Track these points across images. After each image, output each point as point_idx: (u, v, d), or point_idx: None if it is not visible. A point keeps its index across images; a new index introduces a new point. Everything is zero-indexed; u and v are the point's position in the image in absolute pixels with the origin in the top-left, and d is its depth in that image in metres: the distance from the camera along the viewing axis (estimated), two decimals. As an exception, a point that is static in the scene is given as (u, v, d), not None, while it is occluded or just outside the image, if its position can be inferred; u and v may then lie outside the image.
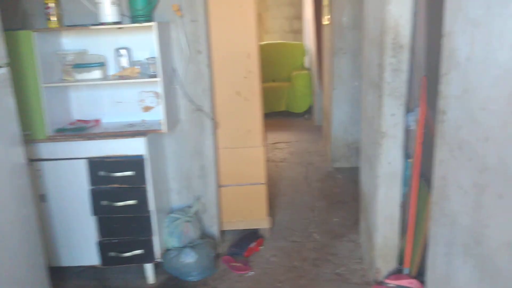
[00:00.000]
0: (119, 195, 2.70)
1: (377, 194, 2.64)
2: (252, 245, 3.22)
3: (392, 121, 2.51)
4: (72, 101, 2.98)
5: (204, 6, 2.88)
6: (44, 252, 2.42)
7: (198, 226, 3.09)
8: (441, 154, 1.74)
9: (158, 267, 2.95)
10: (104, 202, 2.71)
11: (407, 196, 2.67)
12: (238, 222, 3.37)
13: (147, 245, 2.79)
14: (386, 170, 2.59)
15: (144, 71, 2.80)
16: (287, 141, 5.92)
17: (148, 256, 2.81)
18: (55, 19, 2.71)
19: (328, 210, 3.84)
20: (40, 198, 2.72)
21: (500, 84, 1.26)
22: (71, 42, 2.90)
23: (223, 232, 3.37)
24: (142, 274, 2.90)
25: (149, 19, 2.73)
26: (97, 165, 2.67)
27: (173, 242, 2.93)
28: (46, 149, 2.68)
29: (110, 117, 3.00)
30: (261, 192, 3.34)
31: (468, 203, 1.49)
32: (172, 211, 3.13)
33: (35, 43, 2.55)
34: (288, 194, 4.20)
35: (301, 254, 3.16)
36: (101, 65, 2.78)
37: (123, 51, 2.81)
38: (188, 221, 2.99)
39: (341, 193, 4.19)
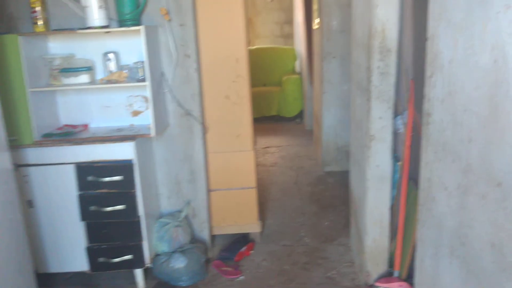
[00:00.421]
0: (108, 200, 2.68)
1: (366, 197, 2.64)
2: (243, 249, 3.22)
3: (380, 124, 2.52)
4: (60, 105, 2.96)
5: (192, 10, 2.88)
6: (31, 258, 2.40)
7: (188, 231, 3.08)
8: (426, 156, 1.75)
9: (148, 272, 2.93)
10: (93, 208, 2.69)
11: (396, 199, 2.68)
12: (229, 227, 3.36)
13: (137, 251, 2.77)
14: (375, 173, 2.59)
15: (132, 75, 2.79)
16: (278, 145, 5.92)
17: (137, 261, 2.79)
18: (42, 23, 2.69)
19: (319, 214, 3.84)
20: (28, 204, 2.70)
21: (481, 86, 1.27)
22: (58, 46, 2.88)
23: (213, 237, 3.36)
24: (132, 279, 2.88)
25: (137, 23, 2.72)
26: (85, 170, 2.66)
27: (163, 247, 2.92)
28: (33, 154, 2.66)
29: (98, 122, 2.99)
30: (252, 196, 3.33)
31: (453, 204, 1.50)
32: (161, 216, 3.11)
33: (21, 47, 2.54)
34: (278, 199, 4.20)
35: (292, 258, 3.15)
36: (89, 69, 2.77)
37: (111, 55, 2.80)
38: (178, 226, 2.97)
39: (331, 197, 4.19)
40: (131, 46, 2.83)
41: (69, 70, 2.72)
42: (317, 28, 5.03)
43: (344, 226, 3.55)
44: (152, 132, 2.71)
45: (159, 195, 3.15)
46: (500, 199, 1.19)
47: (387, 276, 2.70)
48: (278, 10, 7.90)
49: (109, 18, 2.73)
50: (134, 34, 2.68)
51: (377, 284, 2.62)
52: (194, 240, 3.17)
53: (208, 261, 3.11)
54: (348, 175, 3.29)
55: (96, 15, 2.63)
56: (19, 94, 2.58)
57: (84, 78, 2.74)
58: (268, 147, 5.84)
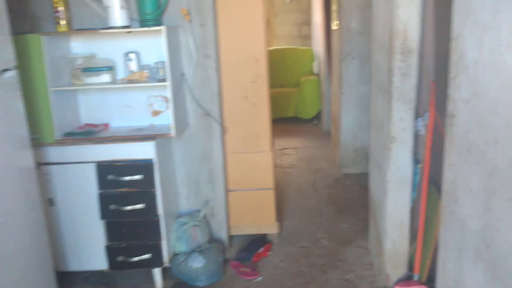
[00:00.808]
0: (127, 199, 2.70)
1: (386, 199, 2.62)
2: (260, 250, 3.21)
3: (401, 126, 2.49)
4: (81, 105, 3.00)
5: (212, 10, 2.89)
6: (52, 257, 2.43)
7: (206, 231, 3.08)
8: (450, 158, 1.72)
9: (166, 272, 2.94)
10: (113, 206, 2.71)
11: (416, 201, 2.65)
12: (246, 227, 3.36)
13: (156, 250, 2.78)
14: (395, 175, 2.57)
15: (152, 75, 2.81)
16: (295, 147, 5.90)
17: (156, 260, 2.80)
18: (64, 22, 2.73)
19: (337, 216, 3.81)
20: (48, 202, 2.73)
21: (508, 87, 1.25)
22: (80, 46, 2.92)
23: (231, 237, 3.36)
24: (150, 279, 2.89)
25: (158, 23, 2.74)
26: (105, 169, 2.68)
27: (181, 247, 2.93)
28: (54, 153, 2.70)
29: (118, 121, 3.01)
30: (269, 197, 3.32)
31: (478, 206, 1.47)
32: (180, 215, 3.13)
33: (44, 47, 2.57)
34: (296, 200, 4.19)
35: (309, 260, 3.14)
36: (110, 69, 2.80)
37: (132, 55, 2.82)
38: (196, 226, 2.98)
39: (349, 199, 4.17)
40: (152, 46, 2.85)
41: (91, 69, 2.75)
42: (336, 29, 5.01)
43: (362, 228, 3.52)
44: (173, 132, 2.72)
45: (178, 195, 3.16)
46: (529, 202, 1.16)
47: (407, 279, 2.67)
48: (296, 11, 7.89)
49: (130, 18, 2.75)
50: (155, 34, 2.70)
51: (396, 287, 2.59)
52: (212, 240, 3.17)
53: (225, 261, 3.11)
54: (367, 177, 3.26)
55: (117, 15, 2.66)
56: (41, 93, 2.61)
57: (105, 77, 2.77)
58: (285, 148, 5.83)
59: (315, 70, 7.32)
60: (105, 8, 2.68)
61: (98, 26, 2.82)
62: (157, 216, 2.75)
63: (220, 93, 3.07)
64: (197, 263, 2.84)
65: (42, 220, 2.34)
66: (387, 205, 2.63)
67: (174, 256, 2.94)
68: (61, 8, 2.70)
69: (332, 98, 5.63)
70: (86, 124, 2.95)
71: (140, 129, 2.89)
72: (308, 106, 6.88)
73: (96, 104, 2.99)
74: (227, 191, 3.26)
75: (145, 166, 2.68)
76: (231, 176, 3.27)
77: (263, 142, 3.24)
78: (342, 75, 4.67)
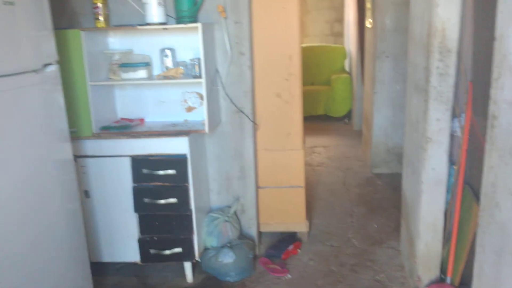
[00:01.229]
0: (161, 193, 2.74)
1: (420, 200, 2.58)
2: (290, 248, 3.21)
3: (438, 126, 2.45)
4: (117, 99, 3.05)
5: (248, 8, 2.90)
6: (87, 247, 2.49)
7: (237, 227, 3.10)
8: (491, 160, 1.69)
9: (196, 266, 2.98)
10: (146, 200, 2.75)
11: (450, 203, 2.61)
12: (276, 225, 3.36)
13: (187, 244, 2.82)
14: (430, 176, 2.53)
15: (187, 71, 2.84)
16: (325, 145, 5.87)
17: (187, 254, 2.84)
18: (103, 18, 2.78)
19: (367, 216, 3.78)
20: (84, 194, 2.79)
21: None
22: (117, 42, 2.97)
23: (260, 234, 3.37)
24: (180, 272, 2.93)
25: (194, 20, 2.77)
26: (140, 163, 2.73)
27: (212, 242, 2.95)
28: (91, 146, 2.76)
29: (153, 116, 3.05)
30: (300, 195, 3.32)
31: (521, 211, 1.44)
32: (211, 210, 3.15)
33: (83, 42, 2.63)
34: (326, 199, 4.17)
35: (339, 259, 3.12)
36: (147, 65, 2.84)
37: (167, 52, 2.85)
38: (227, 221, 3.01)
39: (380, 199, 4.12)
40: (187, 42, 2.88)
41: (128, 65, 2.80)
42: (370, 27, 4.95)
43: (393, 229, 3.48)
44: (206, 128, 2.74)
45: (209, 190, 3.19)
46: None
47: (439, 282, 2.63)
48: (329, 9, 7.83)
49: (167, 15, 2.79)
50: (191, 31, 2.72)
51: (428, 289, 2.56)
52: (242, 236, 3.19)
53: (255, 258, 3.12)
54: (399, 178, 3.22)
55: (155, 12, 2.69)
56: (80, 87, 2.67)
57: (142, 73, 2.81)
58: (315, 146, 5.80)
59: (347, 68, 7.26)
60: (143, 5, 2.72)
61: (135, 22, 2.86)
62: (189, 210, 2.78)
63: (253, 90, 3.08)
64: (228, 258, 2.87)
65: (79, 211, 2.41)
66: (420, 207, 2.60)
67: (204, 250, 2.97)
68: (100, 4, 2.75)
69: (364, 96, 5.57)
70: (122, 119, 3.01)
71: (174, 124, 2.93)
72: (338, 104, 6.83)
73: (132, 99, 3.04)
74: (257, 188, 3.27)
75: (178, 161, 2.72)
76: (262, 173, 3.28)
77: (295, 140, 3.23)
78: (375, 73, 4.62)
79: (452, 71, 2.39)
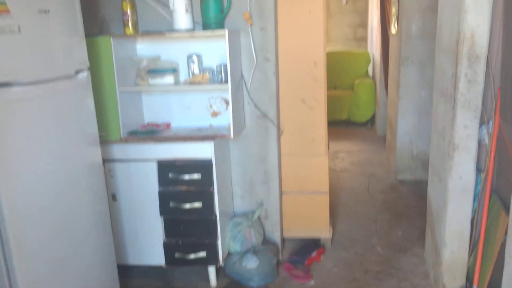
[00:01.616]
0: (186, 197, 2.77)
1: (446, 208, 2.55)
2: (313, 254, 3.21)
3: (465, 133, 2.42)
4: (144, 104, 3.10)
5: (273, 14, 2.91)
6: (114, 250, 2.53)
7: (261, 232, 3.11)
8: (521, 169, 1.67)
9: (220, 270, 2.99)
10: (172, 204, 2.79)
11: (477, 211, 2.57)
12: (299, 230, 3.36)
13: (211, 248, 2.84)
14: (457, 184, 2.50)
15: (213, 77, 2.86)
16: (349, 150, 5.85)
17: (212, 258, 2.86)
18: (131, 25, 2.83)
19: (391, 223, 3.75)
20: (112, 197, 2.84)
21: None
22: (145, 48, 3.02)
23: (283, 240, 3.38)
24: (204, 276, 2.95)
25: (221, 27, 2.79)
26: (166, 167, 2.76)
27: (236, 247, 2.97)
28: (118, 150, 2.80)
29: (179, 121, 3.09)
30: (323, 201, 3.31)
31: (553, 222, 1.42)
32: (235, 215, 3.17)
33: (112, 48, 2.67)
34: (349, 205, 4.15)
35: (363, 266, 3.10)
36: (174, 71, 2.88)
37: (194, 58, 2.89)
38: (251, 227, 3.02)
39: (405, 206, 4.08)
40: (214, 48, 2.91)
41: (156, 71, 2.84)
42: (395, 33, 4.92)
43: (418, 236, 3.45)
44: (231, 133, 2.76)
45: (233, 195, 3.21)
46: None
47: (465, 291, 2.60)
48: (352, 13, 7.80)
49: (194, 22, 2.82)
50: (218, 37, 2.75)
51: (454, 299, 2.53)
52: (265, 241, 3.20)
53: (278, 263, 3.13)
54: (423, 185, 3.20)
55: (182, 19, 2.73)
56: (109, 93, 2.72)
57: (169, 79, 2.85)
58: (338, 151, 5.78)
59: (370, 73, 7.21)
60: (171, 12, 2.76)
61: (163, 28, 2.91)
62: (214, 215, 2.80)
63: (277, 96, 3.09)
64: (251, 263, 2.88)
65: (107, 214, 2.45)
66: (447, 215, 2.57)
67: (228, 255, 2.98)
68: (129, 12, 2.80)
69: (388, 102, 5.53)
70: (149, 124, 3.05)
71: (200, 129, 2.96)
72: (362, 109, 6.79)
73: (159, 104, 3.09)
74: (281, 193, 3.28)
75: (204, 166, 2.74)
76: (286, 179, 3.29)
77: (319, 145, 3.23)
78: (400, 79, 4.58)
79: (480, 78, 2.36)
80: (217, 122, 3.06)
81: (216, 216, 2.80)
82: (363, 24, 7.76)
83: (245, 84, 3.00)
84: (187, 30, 2.76)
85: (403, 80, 4.57)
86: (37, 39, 1.88)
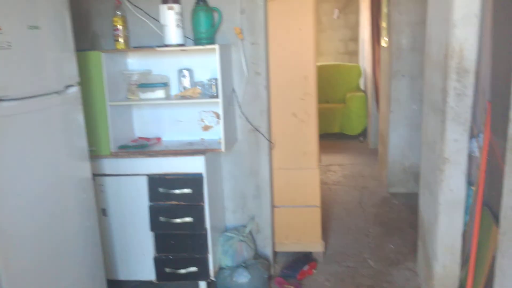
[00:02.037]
0: (177, 212, 2.76)
1: (437, 222, 2.55)
2: (305, 268, 3.19)
3: (455, 147, 2.43)
4: (135, 119, 3.09)
5: (264, 29, 2.93)
6: (104, 265, 2.51)
7: (252, 246, 3.09)
8: (510, 183, 1.67)
9: (211, 285, 2.97)
10: (162, 218, 2.77)
11: (468, 225, 2.57)
12: (291, 244, 3.35)
13: (202, 263, 2.82)
14: (448, 198, 2.51)
15: (205, 91, 2.87)
16: (341, 163, 5.85)
17: (202, 273, 2.83)
18: (122, 40, 2.83)
19: (384, 236, 3.74)
20: (102, 212, 2.82)
21: None
22: (136, 63, 3.02)
23: (275, 254, 3.36)
24: (195, 291, 2.93)
25: (212, 42, 2.81)
26: (157, 182, 2.75)
27: (227, 261, 2.95)
28: (109, 165, 2.79)
29: (170, 135, 3.08)
30: (315, 215, 3.30)
31: (542, 236, 1.42)
32: (226, 229, 3.16)
33: (103, 63, 2.67)
34: (341, 218, 4.14)
35: (356, 280, 3.09)
36: (165, 85, 2.88)
37: (185, 72, 2.89)
38: (242, 241, 3.00)
39: (397, 219, 4.08)
40: (205, 63, 2.92)
41: (147, 85, 2.84)
42: (385, 46, 4.96)
43: (410, 250, 3.44)
44: (223, 147, 2.76)
45: (224, 209, 3.19)
46: None
47: (457, 305, 2.59)
48: (344, 27, 7.87)
49: (185, 37, 2.83)
50: (209, 52, 2.76)
51: (447, 313, 2.51)
52: (257, 255, 3.18)
53: (270, 277, 3.10)
54: (415, 198, 3.20)
55: (173, 34, 2.74)
56: (99, 107, 2.71)
57: (160, 93, 2.85)
58: (330, 165, 5.79)
59: (362, 87, 7.26)
60: (162, 27, 2.77)
61: (154, 43, 2.91)
62: (204, 229, 2.78)
63: (269, 109, 3.10)
64: (242, 278, 2.86)
65: (96, 229, 2.43)
66: (438, 228, 2.57)
67: (219, 270, 2.96)
68: (120, 27, 2.81)
69: (380, 115, 5.56)
70: (140, 138, 3.04)
71: (191, 143, 2.95)
72: (354, 122, 6.82)
73: (149, 118, 3.08)
74: (273, 207, 3.27)
75: (194, 180, 2.73)
76: (277, 192, 3.28)
77: (310, 159, 3.23)
78: (391, 92, 4.61)
79: (469, 91, 2.38)
80: (208, 136, 3.06)
81: (207, 231, 2.78)
82: (355, 38, 7.83)
83: (237, 98, 3.00)
84: (178, 45, 2.76)
85: (394, 94, 4.60)
86: (27, 55, 1.88)
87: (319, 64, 7.40)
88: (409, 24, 4.43)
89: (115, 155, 2.78)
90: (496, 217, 2.27)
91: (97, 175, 2.77)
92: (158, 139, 3.04)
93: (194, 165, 2.73)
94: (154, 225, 2.80)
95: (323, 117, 6.54)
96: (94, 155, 2.73)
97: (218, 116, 3.00)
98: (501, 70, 2.21)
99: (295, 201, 3.29)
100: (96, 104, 2.71)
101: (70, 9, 2.19)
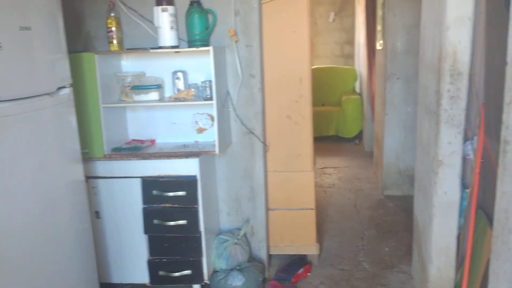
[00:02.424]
0: (171, 214, 2.74)
1: (432, 224, 2.55)
2: (300, 271, 3.18)
3: (449, 150, 2.43)
4: (129, 121, 3.08)
5: (259, 31, 2.93)
6: (97, 268, 2.49)
7: (246, 249, 3.08)
8: (503, 186, 1.67)
9: (205, 288, 2.96)
10: (156, 221, 2.75)
11: (463, 227, 2.57)
12: (286, 247, 3.33)
13: (196, 266, 2.80)
14: (442, 200, 2.50)
15: (199, 93, 2.86)
16: (336, 166, 5.85)
17: (196, 277, 2.82)
18: (116, 42, 2.82)
19: (378, 239, 3.74)
20: (95, 215, 2.80)
21: None
22: (130, 64, 3.01)
23: (270, 257, 3.35)
24: (189, 294, 2.91)
25: (206, 44, 2.80)
26: (150, 184, 2.73)
27: (221, 264, 2.93)
28: (102, 167, 2.77)
29: (164, 138, 3.07)
30: (310, 217, 3.29)
31: (535, 238, 1.42)
32: (220, 232, 3.14)
33: (96, 65, 2.66)
34: (336, 221, 4.13)
35: (350, 283, 3.08)
36: (159, 87, 2.87)
37: (179, 74, 2.88)
38: (236, 244, 2.99)
39: (392, 222, 4.08)
40: (199, 65, 2.91)
41: (140, 87, 2.82)
42: (380, 49, 4.97)
43: (405, 253, 3.44)
44: (217, 150, 2.75)
45: (219, 212, 3.18)
46: None
47: (452, 308, 2.58)
48: (339, 31, 7.89)
49: (179, 39, 2.82)
50: (203, 54, 2.75)
51: (441, 316, 2.51)
52: (252, 258, 3.16)
53: (264, 281, 3.09)
54: (410, 200, 3.19)
55: (167, 36, 2.73)
56: (93, 109, 2.70)
57: (153, 95, 2.83)
58: (325, 167, 5.78)
59: (357, 89, 7.27)
60: (156, 29, 2.76)
61: (148, 45, 2.90)
62: (198, 232, 2.77)
63: (263, 112, 3.09)
64: (237, 281, 2.84)
65: (89, 232, 2.41)
66: (432, 231, 2.57)
67: (214, 273, 2.95)
68: (114, 28, 2.80)
69: (375, 118, 5.56)
70: (133, 140, 3.03)
71: (185, 145, 2.94)
72: (349, 125, 6.82)
73: (143, 121, 3.07)
74: (267, 209, 3.26)
75: (188, 183, 2.72)
76: (272, 195, 3.27)
77: (305, 161, 3.23)
78: (386, 95, 4.62)
79: (463, 94, 2.38)
80: (203, 138, 3.04)
81: (201, 234, 2.77)
82: (350, 41, 7.84)
83: (231, 100, 3.00)
84: (172, 47, 2.75)
85: (388, 96, 4.60)
86: (19, 56, 1.86)
87: (314, 67, 7.43)
88: (403, 26, 4.44)
89: (108, 157, 2.77)
90: (490, 220, 2.26)
91: (90, 178, 2.76)
92: (152, 141, 3.03)
93: (188, 167, 2.71)
94: (148, 227, 2.78)
95: (319, 119, 6.56)
96: (87, 157, 2.71)
97: (212, 119, 2.99)
98: (495, 72, 2.22)
99: (289, 204, 3.28)
100: (89, 106, 2.70)
101: (62, 10, 2.18)
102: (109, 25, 2.80)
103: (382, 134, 4.80)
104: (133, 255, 2.85)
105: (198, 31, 2.75)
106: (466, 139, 2.46)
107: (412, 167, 4.48)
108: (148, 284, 2.89)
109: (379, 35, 5.09)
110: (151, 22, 2.84)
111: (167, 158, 2.73)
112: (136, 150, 2.83)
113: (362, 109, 6.76)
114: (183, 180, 2.72)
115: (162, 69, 2.97)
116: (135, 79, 2.88)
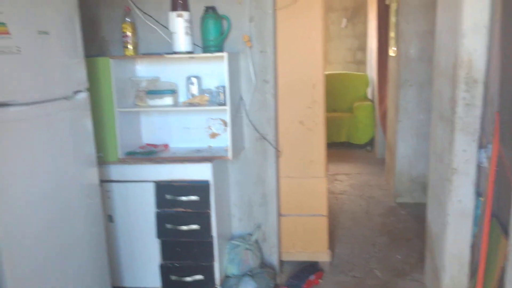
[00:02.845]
0: (183, 219, 2.75)
1: (445, 233, 2.53)
2: (311, 278, 3.16)
3: (464, 158, 2.42)
4: (143, 125, 3.10)
5: (273, 37, 2.94)
6: (109, 271, 2.50)
7: (258, 255, 3.08)
8: (520, 194, 1.65)
9: (216, 293, 2.96)
10: (169, 226, 2.76)
11: (477, 236, 2.55)
12: (297, 253, 3.32)
13: (208, 271, 2.81)
14: (456, 208, 2.48)
15: (212, 99, 2.87)
16: (347, 172, 5.83)
17: (208, 282, 2.82)
18: (131, 47, 2.85)
19: (390, 247, 3.71)
20: (108, 219, 2.82)
21: None
22: (144, 69, 3.03)
23: (281, 263, 3.34)
24: (200, 299, 2.91)
25: (220, 50, 2.81)
26: (164, 189, 2.75)
27: (233, 270, 2.93)
28: (116, 171, 2.79)
29: (177, 142, 3.09)
30: (322, 224, 3.28)
31: (553, 248, 1.40)
32: (232, 237, 3.14)
33: (112, 69, 2.68)
34: (348, 227, 4.12)
35: (362, 291, 3.07)
36: (173, 92, 2.89)
37: (193, 79, 2.90)
38: (248, 249, 2.99)
39: (404, 229, 4.05)
40: (213, 70, 2.93)
41: (155, 92, 2.85)
42: (393, 56, 4.96)
43: (417, 260, 3.41)
44: (230, 155, 2.76)
45: (231, 217, 3.18)
46: None
47: (465, 317, 2.55)
48: (351, 37, 7.88)
49: (193, 44, 2.84)
50: (217, 59, 2.77)
51: (454, 325, 2.48)
52: (263, 264, 3.16)
53: (276, 287, 3.08)
54: (422, 208, 3.17)
55: (182, 41, 2.75)
56: (108, 113, 2.72)
57: (168, 100, 2.85)
58: (337, 174, 5.76)
59: (369, 96, 7.24)
60: (171, 34, 2.78)
61: (163, 50, 2.93)
62: (211, 237, 2.78)
63: (276, 117, 3.10)
64: (248, 287, 2.84)
65: (103, 235, 2.43)
66: (446, 239, 2.55)
67: (225, 278, 2.95)
68: (129, 33, 2.82)
69: (387, 124, 5.54)
70: (147, 144, 3.05)
71: (198, 150, 2.95)
72: (361, 131, 6.80)
73: (157, 125, 3.09)
74: (279, 215, 3.25)
75: (201, 187, 2.73)
76: (284, 201, 3.27)
77: (318, 167, 3.22)
78: (399, 102, 4.60)
79: (478, 102, 2.36)
80: (216, 143, 3.06)
81: (213, 239, 2.78)
82: (362, 48, 7.83)
83: (244, 106, 3.01)
84: (187, 52, 2.77)
85: (401, 103, 4.58)
86: (36, 60, 1.89)
87: (326, 73, 7.40)
88: (417, 33, 4.42)
89: (122, 161, 2.79)
90: (504, 228, 2.24)
91: (104, 181, 2.77)
92: (166, 146, 3.05)
93: (201, 172, 2.72)
94: (161, 232, 2.79)
95: (331, 126, 6.52)
96: (102, 161, 2.73)
97: (225, 124, 3.00)
98: (510, 80, 2.20)
99: (301, 210, 3.28)
100: (105, 110, 2.72)
101: (79, 15, 2.21)
102: (124, 30, 2.83)
103: (394, 141, 4.78)
104: (145, 259, 2.86)
105: (212, 37, 2.77)
106: (480, 147, 2.45)
107: (424, 174, 4.46)
108: (160, 288, 2.90)
109: (392, 42, 5.08)
110: (166, 27, 2.87)
111: (180, 163, 2.75)
112: (150, 154, 2.85)
113: (374, 115, 6.73)
114: (196, 185, 2.73)
115: (176, 74, 2.99)
116: (149, 84, 2.90)
